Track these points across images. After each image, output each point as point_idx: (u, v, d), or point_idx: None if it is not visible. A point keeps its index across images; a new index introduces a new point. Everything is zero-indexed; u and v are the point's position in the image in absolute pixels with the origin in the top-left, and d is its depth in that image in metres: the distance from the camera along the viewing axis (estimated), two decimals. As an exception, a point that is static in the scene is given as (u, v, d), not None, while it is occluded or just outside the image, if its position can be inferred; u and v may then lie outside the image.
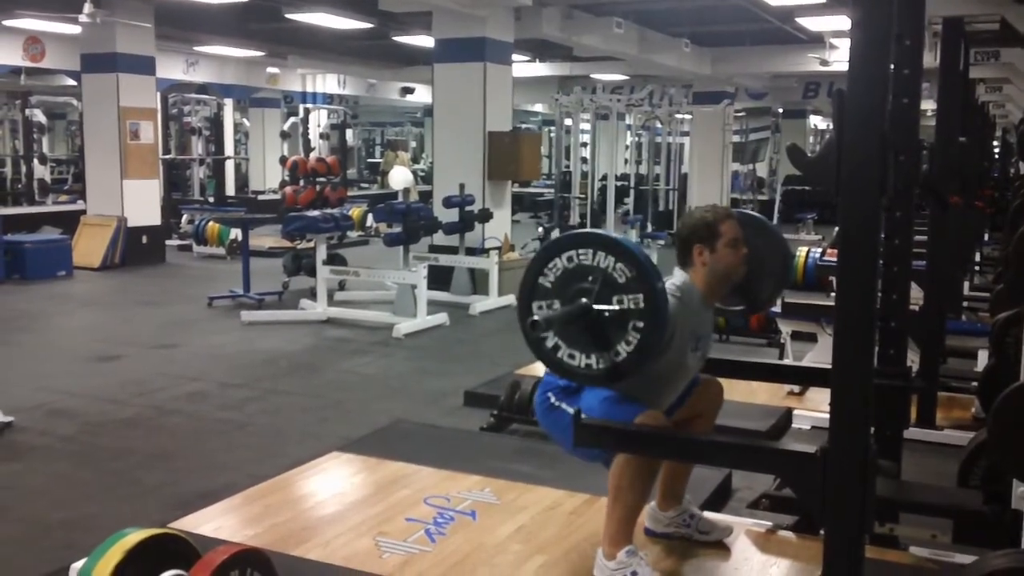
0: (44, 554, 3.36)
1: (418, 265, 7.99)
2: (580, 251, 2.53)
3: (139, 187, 11.36)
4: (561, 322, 2.51)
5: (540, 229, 12.71)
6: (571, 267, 2.54)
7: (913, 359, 4.06)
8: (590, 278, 2.50)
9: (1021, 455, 2.47)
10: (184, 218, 13.73)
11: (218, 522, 3.39)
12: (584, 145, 15.16)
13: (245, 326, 7.75)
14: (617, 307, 2.47)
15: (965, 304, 6.60)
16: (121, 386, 5.80)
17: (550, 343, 2.56)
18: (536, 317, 2.49)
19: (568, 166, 14.08)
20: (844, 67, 2.18)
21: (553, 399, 2.89)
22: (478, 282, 9.15)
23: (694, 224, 2.91)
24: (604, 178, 14.10)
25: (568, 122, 14.83)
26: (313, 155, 12.77)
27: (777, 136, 21.07)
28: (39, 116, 15.81)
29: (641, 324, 2.45)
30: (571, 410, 2.79)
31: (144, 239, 11.43)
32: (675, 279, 2.86)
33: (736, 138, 18.73)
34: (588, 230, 2.68)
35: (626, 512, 2.79)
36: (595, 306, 2.48)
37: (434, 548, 3.17)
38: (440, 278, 8.95)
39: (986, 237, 9.61)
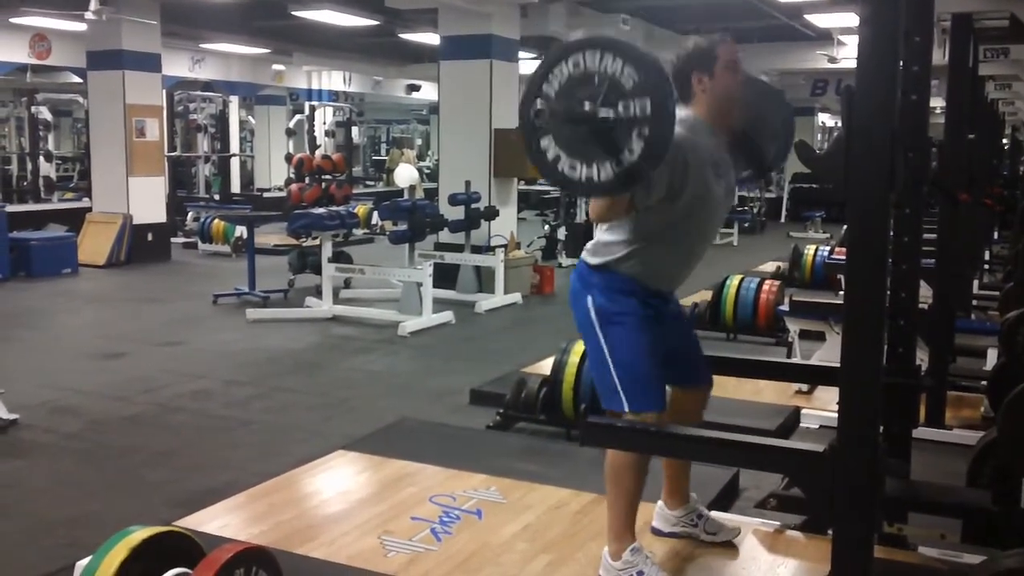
0: (49, 552, 3.36)
1: (423, 263, 7.98)
2: (586, 53, 2.39)
3: (145, 184, 11.37)
4: (564, 119, 2.40)
5: (546, 227, 12.69)
6: (576, 73, 2.40)
7: (922, 358, 4.03)
8: (595, 82, 2.37)
9: (1032, 455, 2.45)
10: (189, 215, 13.74)
11: (223, 520, 3.38)
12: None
13: (250, 324, 7.75)
14: (623, 112, 2.34)
15: (974, 302, 6.58)
16: (126, 383, 5.80)
17: (551, 154, 2.44)
18: (540, 107, 2.40)
19: (574, 163, 14.03)
20: (853, 64, 2.16)
21: (593, 315, 2.79)
22: (484, 280, 9.14)
23: (690, 52, 2.81)
24: (610, 175, 14.06)
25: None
26: (318, 152, 12.76)
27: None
28: (45, 113, 15.81)
29: (647, 130, 2.32)
30: (603, 342, 2.75)
31: (149, 236, 11.45)
32: (679, 113, 2.66)
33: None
34: (596, 35, 2.48)
35: (625, 502, 2.77)
36: (600, 110, 2.35)
37: (440, 547, 3.16)
38: (446, 276, 8.94)
39: (996, 235, 9.58)
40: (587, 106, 2.36)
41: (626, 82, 2.33)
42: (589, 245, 2.88)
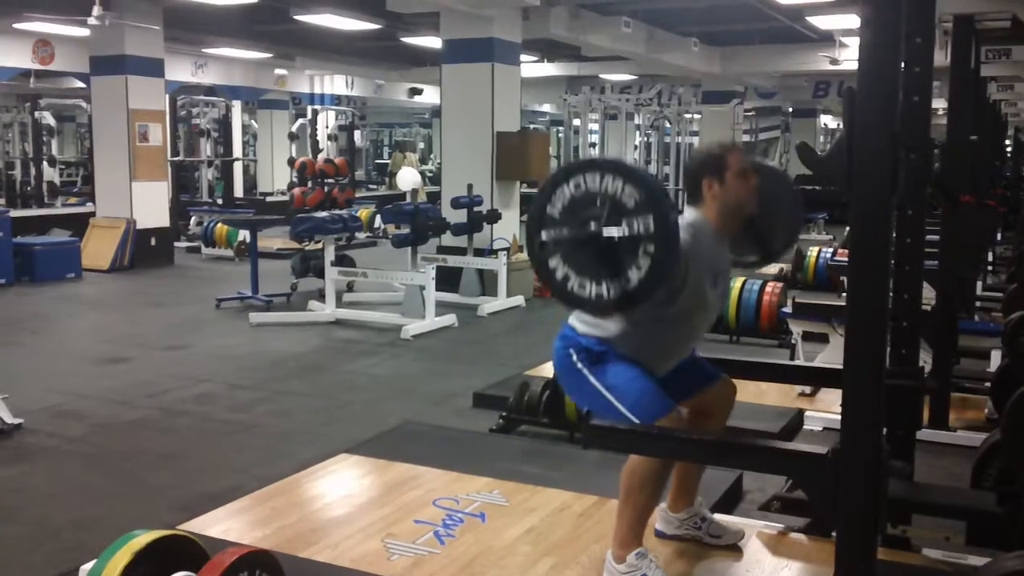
0: (53, 555, 3.36)
1: (426, 266, 7.98)
2: (587, 176, 2.45)
3: (148, 189, 11.39)
4: (570, 245, 2.45)
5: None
6: (578, 194, 2.46)
7: (925, 359, 4.03)
8: (598, 203, 2.43)
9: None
10: (193, 220, 13.76)
11: (227, 524, 3.39)
12: (593, 145, 15.13)
13: (253, 327, 7.76)
14: (627, 231, 2.39)
15: (978, 304, 6.57)
16: (129, 388, 5.80)
17: (559, 274, 2.49)
18: (544, 238, 2.45)
19: (576, 166, 14.04)
20: (854, 66, 2.16)
21: (576, 360, 2.81)
22: (487, 283, 9.14)
23: (702, 158, 2.88)
24: (613, 178, 14.06)
25: (576, 122, 14.81)
26: (321, 156, 12.79)
27: (787, 135, 21.02)
28: (48, 118, 15.87)
29: (652, 248, 2.37)
30: (594, 380, 2.75)
31: (153, 241, 11.47)
32: (687, 216, 2.80)
33: (746, 137, 18.68)
34: (594, 156, 2.55)
35: (637, 514, 2.77)
36: (604, 230, 2.41)
37: (443, 550, 3.16)
38: (448, 279, 8.94)
39: (999, 237, 9.56)
40: (592, 226, 2.42)
41: (627, 201, 2.40)
42: (578, 313, 2.84)
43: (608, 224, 2.40)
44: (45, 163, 15.38)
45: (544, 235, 2.50)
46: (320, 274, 8.55)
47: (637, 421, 2.70)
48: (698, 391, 3.01)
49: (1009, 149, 13.03)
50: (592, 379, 2.77)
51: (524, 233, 2.60)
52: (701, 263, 2.73)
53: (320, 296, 8.50)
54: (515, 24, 9.88)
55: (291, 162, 10.68)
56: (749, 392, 5.01)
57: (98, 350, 6.97)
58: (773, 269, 10.62)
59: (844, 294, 2.43)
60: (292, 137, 16.81)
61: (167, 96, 12.85)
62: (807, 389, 5.26)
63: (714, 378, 3.04)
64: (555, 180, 2.51)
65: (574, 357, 2.82)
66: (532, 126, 22.53)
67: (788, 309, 5.88)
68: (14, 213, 11.50)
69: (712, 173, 2.83)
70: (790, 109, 21.30)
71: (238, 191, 17.36)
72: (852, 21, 10.47)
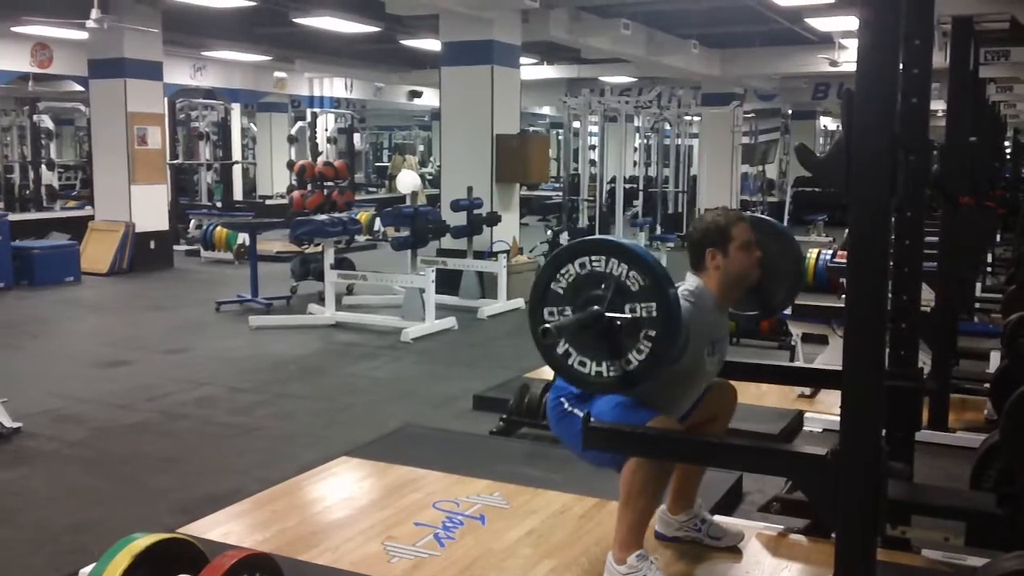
0: (53, 559, 3.36)
1: (426, 269, 7.98)
2: (593, 258, 2.51)
3: (147, 192, 11.39)
4: (573, 330, 2.50)
5: (549, 232, 12.69)
6: (583, 274, 2.52)
7: (925, 361, 4.03)
8: (603, 285, 2.49)
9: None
10: (192, 223, 13.75)
11: (227, 527, 3.39)
12: (592, 148, 15.11)
13: (253, 330, 7.76)
14: (629, 315, 2.45)
15: (977, 305, 6.57)
16: (129, 391, 5.80)
17: (561, 350, 2.55)
18: (548, 325, 2.48)
19: (576, 169, 14.03)
20: (853, 67, 2.16)
21: (566, 404, 2.87)
22: (486, 286, 9.14)
23: (705, 228, 2.90)
24: (613, 180, 14.06)
25: (576, 124, 14.79)
26: (320, 159, 12.79)
27: (787, 137, 21.00)
28: (47, 122, 15.87)
29: (653, 333, 2.43)
30: (580, 413, 2.77)
31: (152, 244, 11.46)
32: (688, 284, 2.85)
33: (745, 140, 18.68)
34: (601, 237, 2.65)
35: (638, 517, 2.77)
36: (607, 314, 2.46)
37: (443, 552, 3.16)
38: (448, 282, 8.95)
39: (998, 238, 9.56)
40: (595, 309, 2.47)
41: (632, 285, 2.45)
42: None
43: (612, 308, 2.46)
44: (44, 166, 15.38)
45: (547, 314, 2.55)
46: (320, 277, 8.55)
47: None
48: (700, 401, 3.01)
49: (1008, 150, 13.03)
50: (579, 412, 2.80)
51: (527, 311, 2.66)
52: (700, 333, 2.75)
53: (320, 299, 8.50)
54: (515, 26, 9.88)
55: (290, 165, 10.69)
56: (749, 394, 5.01)
57: (98, 354, 6.97)
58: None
59: (843, 296, 2.43)
60: (291, 140, 16.81)
61: (166, 99, 12.86)
62: (807, 390, 5.26)
63: (711, 386, 3.04)
64: (560, 258, 2.57)
65: (565, 404, 2.87)
66: (532, 128, 22.53)
67: (788, 311, 5.88)
68: (13, 217, 11.51)
69: (716, 244, 2.86)
70: (790, 111, 21.31)
71: (237, 194, 17.37)
72: (851, 23, 10.48)
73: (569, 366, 2.55)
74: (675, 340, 2.47)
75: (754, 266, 2.89)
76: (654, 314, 2.43)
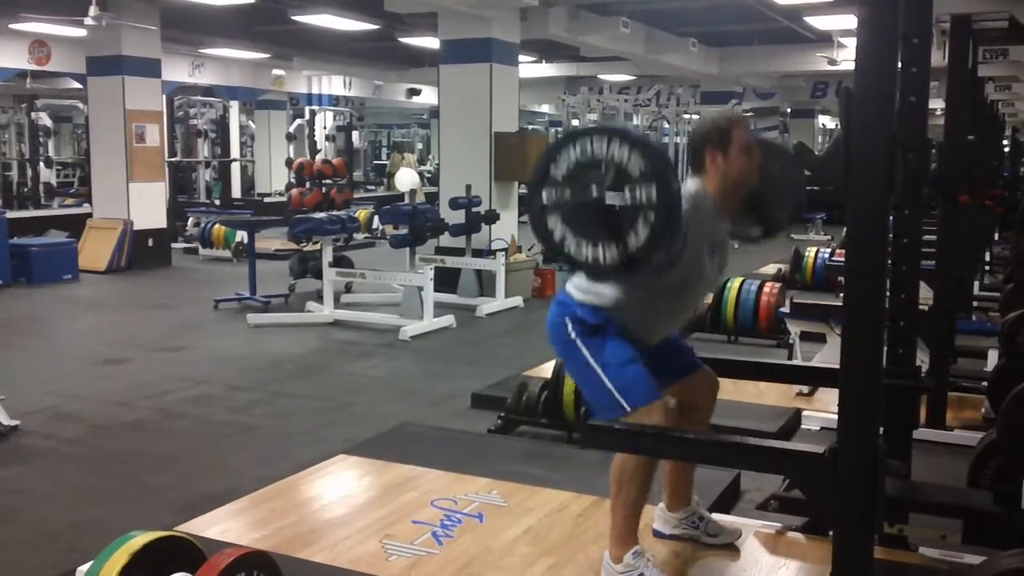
0: (51, 557, 3.36)
1: (424, 267, 7.98)
2: (593, 140, 2.44)
3: (145, 190, 11.39)
4: (570, 209, 2.44)
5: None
6: (583, 159, 2.45)
7: (923, 359, 4.03)
8: (603, 168, 2.42)
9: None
10: (190, 221, 13.76)
11: (224, 525, 3.38)
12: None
13: (251, 329, 7.75)
14: (629, 198, 2.38)
15: (975, 303, 6.58)
16: (127, 389, 5.80)
17: (557, 234, 2.48)
18: (545, 202, 2.44)
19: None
20: (852, 66, 2.16)
21: (571, 330, 2.79)
22: (485, 284, 9.14)
23: (707, 129, 2.85)
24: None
25: (575, 122, 14.80)
26: (319, 157, 12.77)
27: (785, 136, 21.02)
28: (45, 119, 15.86)
29: (653, 216, 2.36)
30: (588, 354, 2.74)
31: (150, 242, 11.46)
32: (689, 186, 2.76)
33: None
34: (602, 123, 2.56)
35: (629, 507, 2.77)
36: (607, 194, 2.40)
37: (441, 551, 3.16)
38: (447, 280, 8.94)
39: (996, 236, 9.57)
40: (594, 191, 2.41)
41: (633, 169, 2.39)
42: (576, 281, 2.85)
43: (611, 190, 2.39)
44: (42, 164, 15.36)
45: (545, 195, 2.49)
46: (318, 275, 8.55)
47: (625, 403, 2.70)
48: (681, 378, 3.00)
49: (1007, 149, 13.04)
50: (585, 352, 2.76)
51: (527, 189, 2.57)
52: (700, 234, 2.70)
53: (318, 297, 8.50)
54: (513, 24, 9.88)
55: (289, 163, 10.66)
56: (747, 392, 5.04)
57: (96, 351, 6.97)
58: (771, 270, 10.64)
59: (842, 294, 2.43)
60: (290, 138, 16.81)
61: (164, 97, 12.84)
62: (805, 389, 5.27)
63: (696, 368, 3.04)
64: (561, 142, 2.49)
65: (569, 327, 2.80)
66: (530, 127, 22.54)
67: (786, 309, 5.88)
68: (11, 214, 11.52)
69: (716, 145, 2.80)
70: (788, 110, 21.33)
71: (236, 192, 17.37)
72: (850, 22, 10.48)
73: (567, 252, 2.48)
74: (674, 226, 2.41)
75: (754, 171, 2.83)
76: (654, 197, 2.36)
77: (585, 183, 2.43)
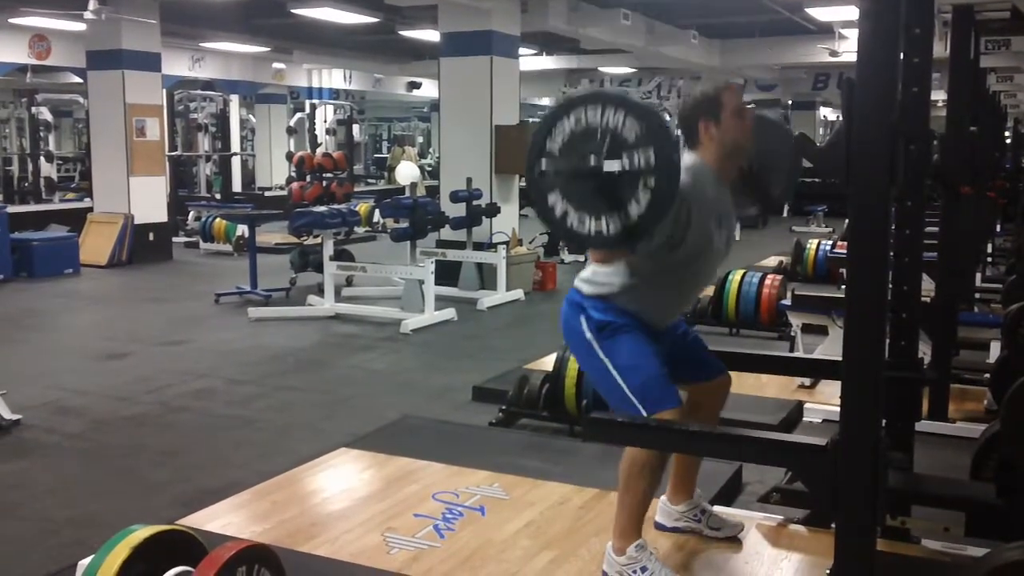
0: (52, 551, 3.36)
1: (425, 260, 7.97)
2: (588, 108, 2.40)
3: (146, 184, 11.37)
4: (569, 179, 2.41)
5: (548, 223, 12.66)
6: (579, 129, 2.41)
7: (925, 351, 4.02)
8: (598, 137, 2.38)
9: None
10: (191, 215, 13.74)
11: (226, 519, 3.38)
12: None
13: (252, 322, 7.75)
14: (627, 164, 2.34)
15: (977, 295, 6.56)
16: (128, 383, 5.80)
17: (559, 210, 2.44)
18: (544, 168, 2.42)
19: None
20: (854, 57, 2.15)
21: (586, 331, 2.77)
22: (486, 277, 9.13)
23: (696, 100, 2.82)
24: (612, 171, 14.04)
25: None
26: (319, 151, 12.77)
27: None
28: (45, 114, 15.83)
29: (653, 181, 2.33)
30: (603, 355, 2.73)
31: (151, 236, 11.45)
32: (685, 160, 2.72)
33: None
34: (597, 89, 2.51)
35: (637, 504, 2.76)
36: (604, 164, 2.36)
37: (443, 544, 3.16)
38: (448, 273, 8.94)
39: (998, 228, 9.55)
40: (592, 160, 2.37)
41: (628, 134, 2.35)
42: (584, 275, 2.85)
43: (608, 158, 2.36)
44: (42, 159, 15.35)
45: (544, 167, 2.45)
46: (319, 269, 8.54)
47: (643, 409, 2.68)
48: (702, 380, 3.00)
49: (1008, 140, 13.00)
50: (601, 354, 2.74)
51: (525, 164, 2.52)
52: (704, 205, 2.69)
53: (319, 291, 8.49)
54: (513, 17, 9.85)
55: (289, 156, 10.69)
56: (749, 384, 5.03)
57: (97, 346, 6.96)
58: (773, 262, 10.63)
59: (843, 286, 2.42)
60: (290, 131, 16.79)
61: (164, 91, 12.82)
62: (806, 381, 5.26)
63: (717, 374, 3.03)
64: (556, 113, 2.46)
65: (584, 327, 2.78)
66: (531, 119, 22.46)
67: (788, 301, 5.87)
68: (11, 209, 11.51)
69: (708, 114, 2.78)
70: (790, 102, 21.25)
71: (236, 186, 17.35)
72: (851, 13, 10.45)
73: (568, 227, 2.44)
74: (674, 187, 2.37)
75: (748, 133, 2.80)
76: (652, 161, 2.32)
77: (583, 153, 2.39)
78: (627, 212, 2.36)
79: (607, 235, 2.40)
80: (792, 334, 5.94)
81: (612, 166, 2.35)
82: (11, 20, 11.50)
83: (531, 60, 15.03)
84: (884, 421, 2.47)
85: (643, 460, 2.71)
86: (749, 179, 2.94)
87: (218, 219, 12.43)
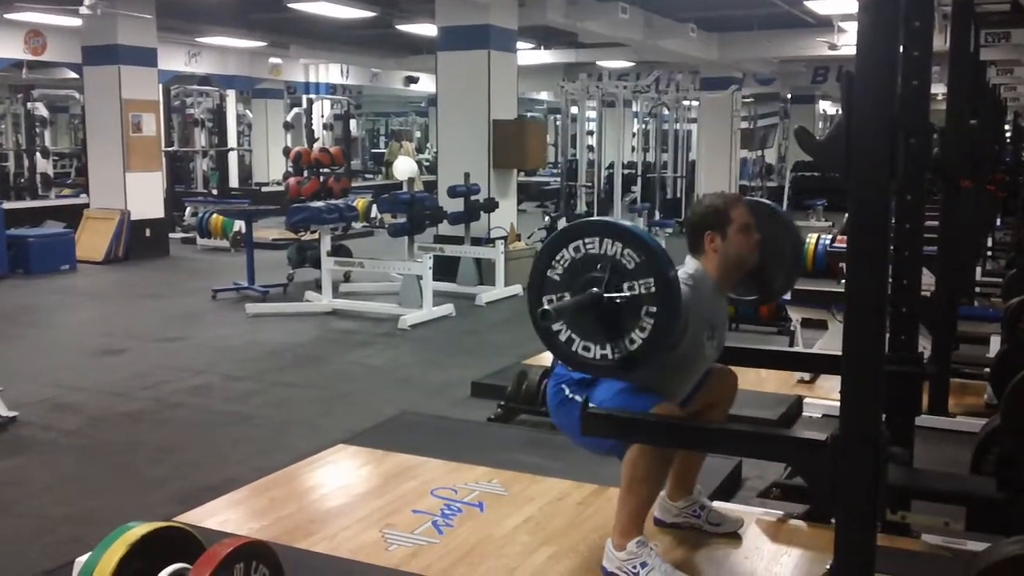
0: (49, 549, 3.35)
1: (423, 256, 7.95)
2: (586, 240, 2.49)
3: (142, 180, 11.35)
4: (572, 311, 2.47)
5: (546, 218, 12.66)
6: (578, 257, 2.50)
7: (925, 345, 4.01)
8: (599, 267, 2.46)
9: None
10: (187, 211, 13.73)
11: (224, 515, 3.37)
12: (590, 133, 15.06)
13: (250, 318, 7.73)
14: (628, 293, 2.42)
15: (977, 289, 6.55)
16: (125, 380, 5.78)
17: (563, 336, 2.52)
18: (547, 307, 2.45)
19: (574, 154, 14.00)
20: (853, 51, 2.14)
21: (567, 391, 2.84)
22: (484, 272, 9.12)
23: (704, 211, 2.88)
24: (611, 166, 14.03)
25: (574, 110, 14.76)
26: (317, 146, 12.72)
27: (786, 122, 20.94)
28: (41, 109, 15.82)
29: (654, 309, 2.41)
30: (580, 399, 2.74)
31: (147, 232, 11.43)
32: (687, 267, 2.82)
33: (744, 124, 18.62)
34: (593, 218, 2.66)
35: (639, 504, 2.76)
36: (606, 294, 2.44)
37: (441, 540, 3.15)
38: (446, 269, 8.92)
39: (998, 222, 9.53)
40: (593, 291, 2.44)
41: (628, 263, 2.43)
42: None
43: (610, 288, 2.43)
44: (38, 154, 15.34)
45: (546, 301, 2.51)
46: (316, 264, 8.53)
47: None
48: (700, 388, 2.99)
49: (1009, 134, 12.99)
50: (578, 398, 2.76)
51: (527, 300, 2.62)
52: (699, 316, 2.73)
53: (317, 286, 8.47)
54: (511, 11, 9.82)
55: (286, 152, 10.65)
56: (748, 379, 4.97)
57: (93, 342, 6.95)
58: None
59: (843, 281, 2.41)
60: (287, 126, 16.78)
61: (160, 86, 12.78)
62: (806, 376, 5.25)
63: (711, 371, 3.02)
64: (554, 244, 2.54)
65: (566, 391, 2.84)
66: (529, 114, 22.47)
67: (787, 296, 5.86)
68: (7, 205, 11.46)
69: (714, 227, 2.84)
70: (789, 95, 21.24)
71: (233, 181, 17.32)
72: (850, 5, 10.43)
73: (572, 352, 2.52)
74: (675, 315, 2.44)
75: (753, 249, 2.87)
76: (653, 289, 2.41)
77: (584, 283, 2.47)
78: (631, 339, 2.44)
79: (611, 361, 2.49)
80: (792, 329, 5.94)
81: (613, 296, 2.44)
82: (6, 15, 11.45)
83: (529, 54, 14.99)
84: (884, 416, 2.46)
85: (647, 464, 2.69)
86: (751, 273, 2.97)
87: (215, 215, 12.40)
